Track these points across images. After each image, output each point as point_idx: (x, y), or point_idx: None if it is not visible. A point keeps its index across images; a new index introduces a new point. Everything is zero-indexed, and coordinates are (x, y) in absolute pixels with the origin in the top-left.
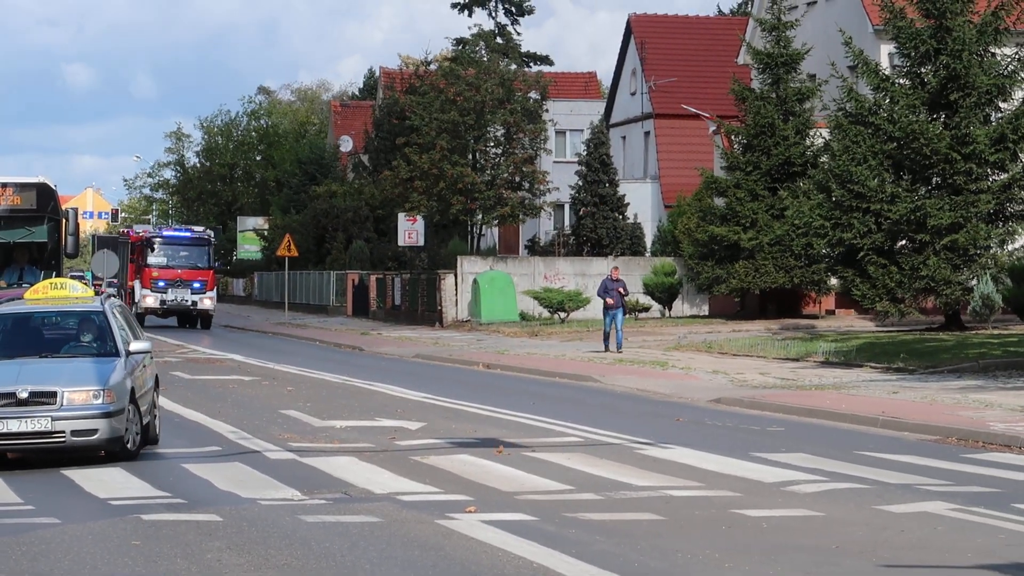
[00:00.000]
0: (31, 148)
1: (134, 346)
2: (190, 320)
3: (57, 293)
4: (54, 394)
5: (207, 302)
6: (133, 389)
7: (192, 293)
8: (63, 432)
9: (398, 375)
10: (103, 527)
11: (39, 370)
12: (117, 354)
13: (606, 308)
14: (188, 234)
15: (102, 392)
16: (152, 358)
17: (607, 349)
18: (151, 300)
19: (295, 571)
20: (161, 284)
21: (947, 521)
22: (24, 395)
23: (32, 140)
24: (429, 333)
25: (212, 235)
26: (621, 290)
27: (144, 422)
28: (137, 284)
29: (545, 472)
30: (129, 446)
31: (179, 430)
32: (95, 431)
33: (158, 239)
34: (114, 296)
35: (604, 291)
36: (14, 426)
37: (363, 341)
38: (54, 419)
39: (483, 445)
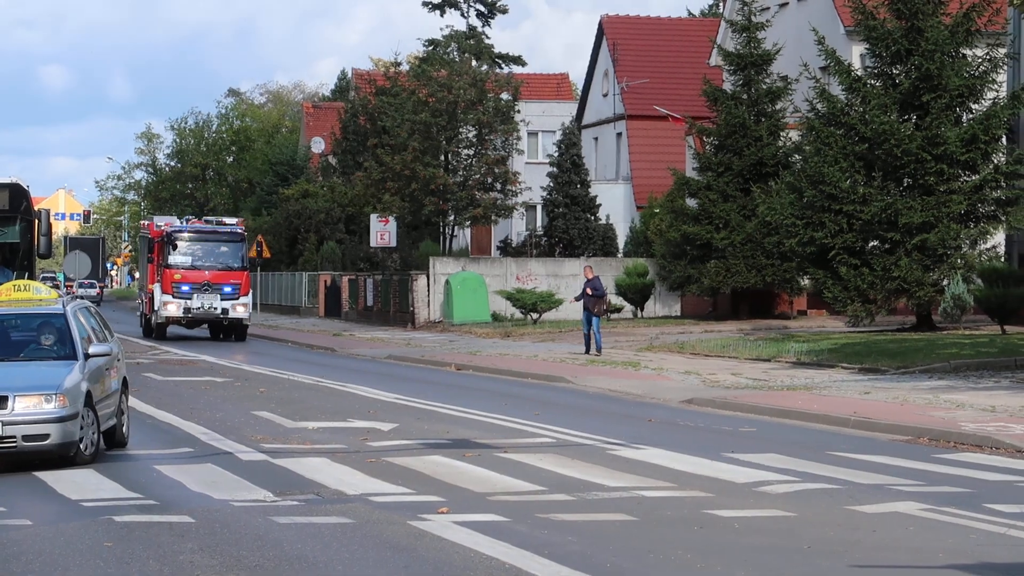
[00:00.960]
0: (5, 150)
1: (94, 348)
2: (221, 331)
3: (20, 295)
4: (4, 399)
5: (240, 309)
6: (90, 393)
7: (222, 299)
8: (13, 437)
9: (370, 376)
10: (75, 529)
11: None
12: (75, 357)
13: (584, 310)
14: (218, 228)
15: (54, 396)
16: (120, 360)
17: (588, 352)
18: (174, 308)
19: (267, 572)
20: (185, 289)
21: (919, 521)
22: None
23: (6, 142)
24: (401, 334)
25: (244, 230)
26: (589, 290)
27: (109, 425)
28: (157, 288)
29: (517, 473)
30: (84, 451)
31: (152, 432)
32: (47, 436)
33: (182, 234)
34: (81, 298)
35: (583, 292)
36: None
37: (335, 342)
38: (4, 424)
39: (455, 446)
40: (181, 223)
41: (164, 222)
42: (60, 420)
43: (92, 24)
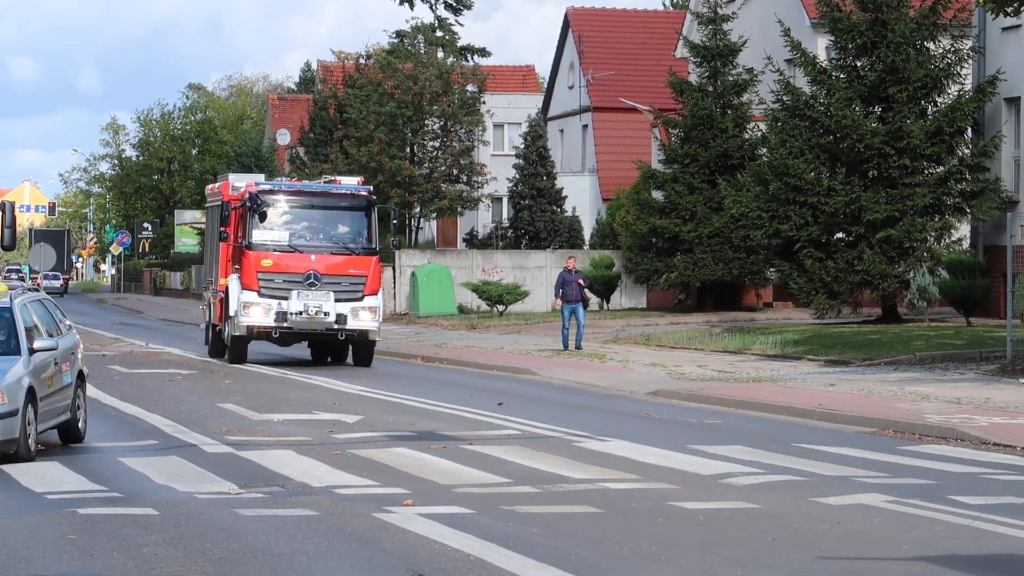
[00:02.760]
0: None
1: (39, 343)
2: (333, 352)
3: None
4: None
5: (366, 317)
6: (33, 388)
7: (337, 299)
8: None
9: (335, 368)
10: (39, 521)
11: None
12: (19, 352)
13: (564, 302)
14: (331, 190)
15: None
16: (75, 353)
17: (566, 348)
18: (259, 313)
19: (232, 564)
20: (280, 283)
21: (883, 513)
22: None
23: None
24: None
25: (371, 191)
26: (580, 282)
27: (62, 420)
28: (234, 282)
29: (482, 465)
30: (26, 448)
31: (116, 424)
32: None
33: (276, 197)
34: (35, 290)
35: (562, 284)
36: None
37: None
38: None
39: (421, 438)
40: (275, 182)
41: (244, 182)
42: None
43: (61, 17)
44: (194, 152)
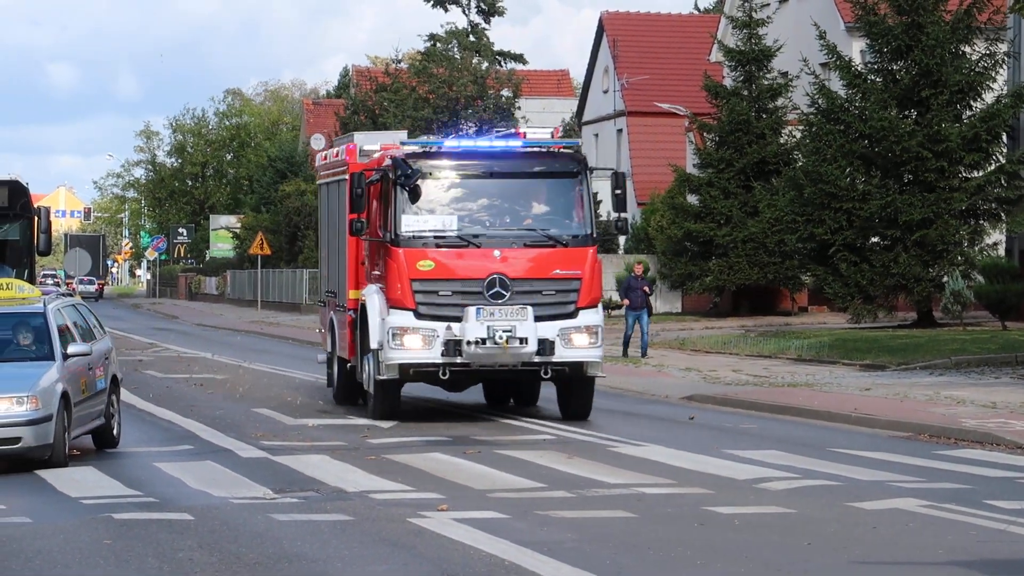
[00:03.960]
0: (10, 148)
1: (73, 348)
2: (519, 392)
3: (2, 294)
4: None
5: (582, 340)
6: (67, 394)
7: (539, 316)
8: None
9: None
10: (75, 526)
11: None
12: (53, 357)
13: (629, 309)
14: (514, 150)
15: (26, 399)
16: (109, 358)
17: (626, 355)
18: (418, 342)
19: (266, 570)
20: (448, 294)
21: (919, 518)
22: None
23: (11, 140)
24: None
25: (579, 148)
26: (646, 288)
27: (96, 425)
28: (375, 296)
29: (517, 470)
30: (59, 454)
31: (151, 429)
32: (18, 439)
33: (436, 161)
34: (70, 295)
35: (627, 290)
36: None
37: None
38: None
39: (455, 443)
40: (430, 139)
41: (380, 145)
42: (32, 423)
43: (100, 22)
44: (228, 157)
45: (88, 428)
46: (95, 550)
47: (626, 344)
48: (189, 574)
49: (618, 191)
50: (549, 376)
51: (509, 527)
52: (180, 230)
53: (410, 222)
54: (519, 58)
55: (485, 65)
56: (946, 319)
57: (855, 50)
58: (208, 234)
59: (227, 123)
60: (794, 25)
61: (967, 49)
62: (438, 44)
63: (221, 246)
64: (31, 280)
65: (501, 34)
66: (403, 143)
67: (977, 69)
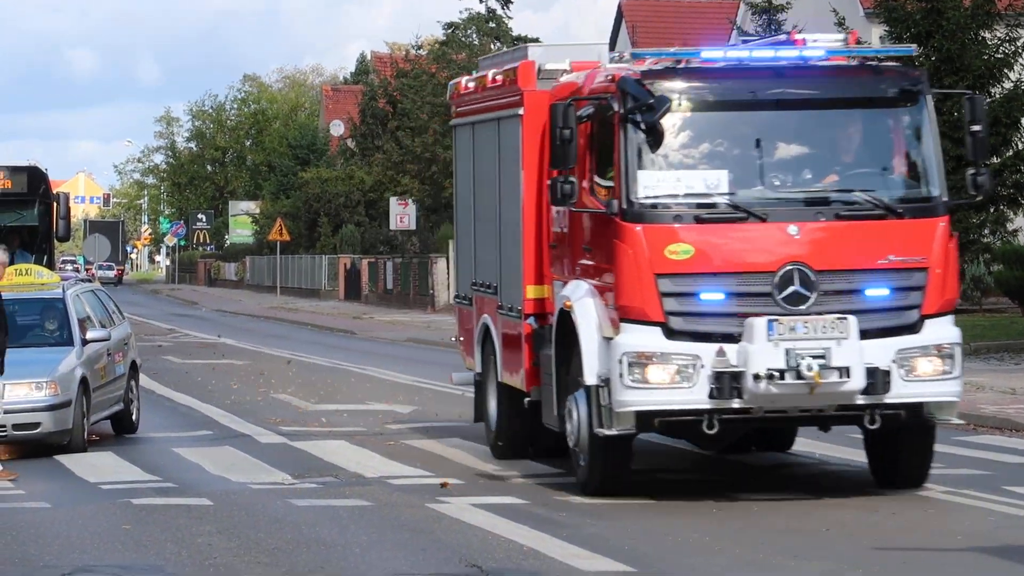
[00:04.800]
0: (31, 134)
1: (92, 334)
2: (765, 434)
3: (22, 280)
4: None
5: (930, 369)
6: (86, 379)
7: (867, 331)
8: (3, 426)
9: (390, 359)
10: (93, 511)
11: None
12: (72, 343)
13: None
14: (825, 63)
15: (45, 384)
16: (128, 344)
17: None
18: (668, 376)
19: (285, 555)
20: (721, 296)
21: (938, 504)
22: None
23: (32, 126)
24: (421, 317)
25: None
26: None
27: (115, 411)
28: (588, 300)
29: (536, 455)
30: (78, 439)
31: (170, 414)
32: (38, 424)
33: (692, 80)
34: (86, 280)
35: None
36: None
37: (355, 325)
38: None
39: (474, 428)
40: (682, 51)
41: (571, 60)
42: (51, 408)
43: (120, 8)
44: (247, 143)
45: (107, 413)
46: (114, 535)
47: None
48: (208, 559)
49: (976, 128)
50: (876, 424)
51: (528, 512)
52: (199, 216)
53: (651, 182)
54: (536, 42)
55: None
56: (965, 305)
57: (875, 36)
58: (227, 220)
59: (245, 109)
60: (813, 11)
61: (987, 35)
62: (456, 30)
63: (240, 232)
64: (50, 266)
65: (522, 21)
66: (632, 55)
67: (998, 55)
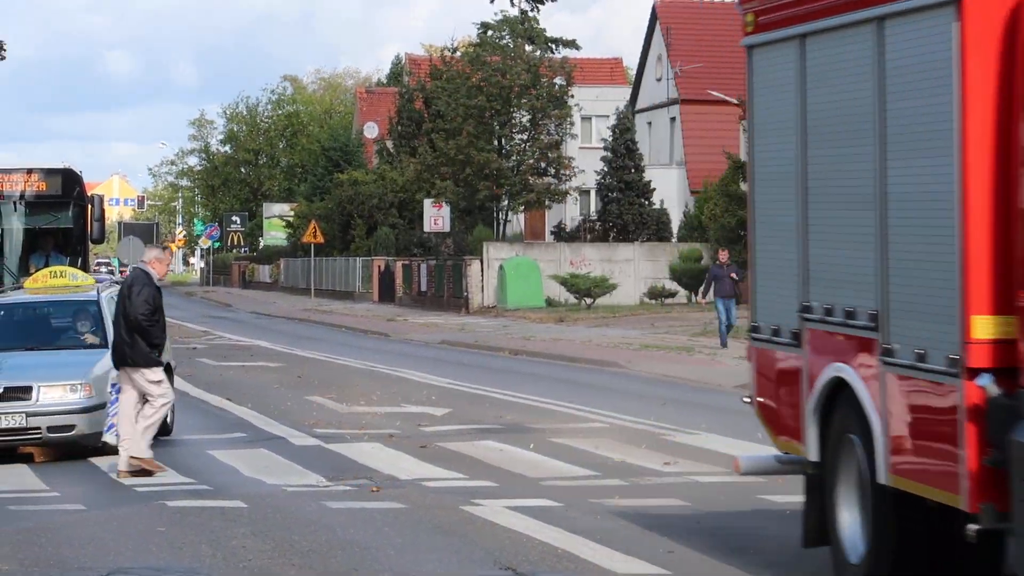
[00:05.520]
0: (68, 135)
1: None
2: None
3: (56, 282)
4: (29, 389)
5: None
6: None
7: None
8: (38, 428)
9: (424, 361)
10: (128, 513)
11: (20, 364)
12: (106, 345)
13: (718, 297)
14: None
15: (79, 386)
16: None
17: (725, 345)
18: None
19: (320, 557)
20: None
21: None
22: None
23: (70, 127)
24: (455, 319)
25: None
26: (734, 275)
27: None
28: None
29: (570, 458)
30: (112, 441)
31: (204, 416)
32: (72, 427)
33: None
34: (119, 282)
35: (713, 279)
36: None
37: (389, 327)
38: (29, 415)
39: (508, 431)
40: None
41: None
42: (86, 411)
43: (158, 9)
44: (281, 145)
45: None
46: (148, 537)
47: (723, 335)
48: (243, 561)
49: None
50: None
51: (562, 515)
52: (234, 218)
53: None
54: (572, 44)
55: (538, 53)
56: None
57: None
58: (262, 222)
59: (280, 112)
60: None
61: None
62: (490, 32)
63: (274, 234)
64: (85, 268)
65: (559, 22)
66: None
67: None
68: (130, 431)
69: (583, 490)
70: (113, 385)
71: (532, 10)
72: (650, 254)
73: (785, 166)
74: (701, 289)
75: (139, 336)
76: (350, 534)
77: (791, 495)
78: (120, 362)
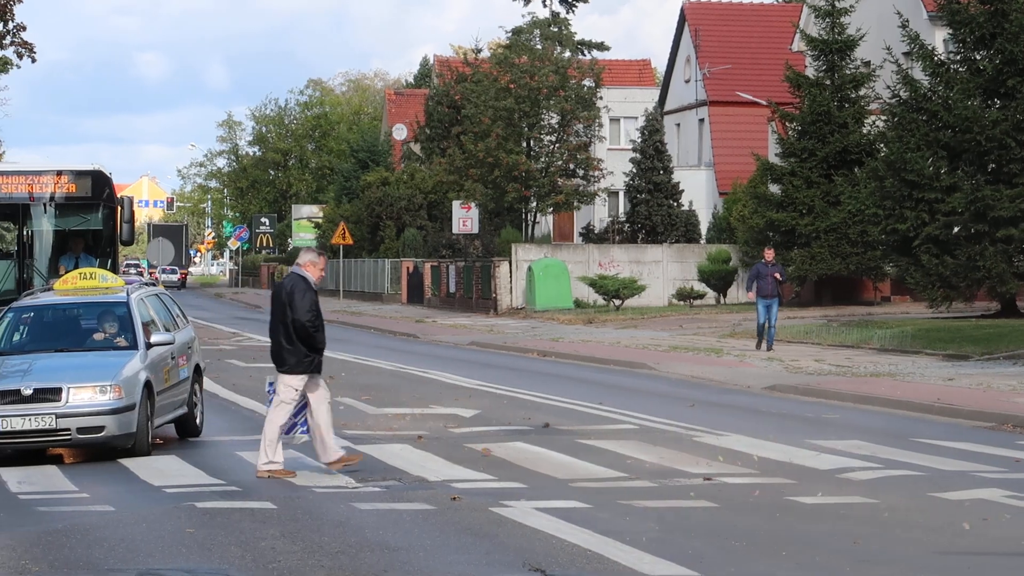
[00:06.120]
0: (99, 137)
1: (156, 338)
2: None
3: (86, 283)
4: (59, 390)
5: None
6: (150, 383)
7: None
8: (68, 430)
9: (452, 362)
10: (157, 515)
11: (49, 365)
12: (136, 347)
13: (759, 296)
14: None
15: (109, 388)
16: (192, 347)
17: (759, 347)
18: None
19: (349, 558)
20: None
21: (1003, 508)
22: (28, 392)
23: (100, 129)
24: (484, 320)
25: None
26: (777, 275)
27: (179, 414)
28: None
29: (599, 459)
30: (142, 443)
31: (233, 418)
32: (102, 428)
33: None
34: (149, 284)
35: (756, 276)
36: (18, 424)
37: (418, 329)
38: (58, 416)
39: (537, 432)
40: None
41: None
42: (115, 412)
43: (189, 11)
44: (310, 148)
45: (171, 417)
46: (178, 538)
47: (760, 335)
48: (272, 562)
49: None
50: None
51: (591, 516)
52: (262, 220)
53: None
54: (600, 46)
55: (567, 55)
56: None
57: (938, 39)
58: (290, 223)
59: (308, 113)
60: (877, 14)
61: None
62: (520, 34)
63: (303, 236)
64: (114, 269)
65: (589, 24)
66: None
67: None
68: (329, 436)
69: (612, 492)
70: (270, 385)
71: (567, 11)
72: (678, 256)
73: None
74: (745, 286)
75: (301, 341)
76: (379, 535)
77: (820, 497)
78: (281, 367)
